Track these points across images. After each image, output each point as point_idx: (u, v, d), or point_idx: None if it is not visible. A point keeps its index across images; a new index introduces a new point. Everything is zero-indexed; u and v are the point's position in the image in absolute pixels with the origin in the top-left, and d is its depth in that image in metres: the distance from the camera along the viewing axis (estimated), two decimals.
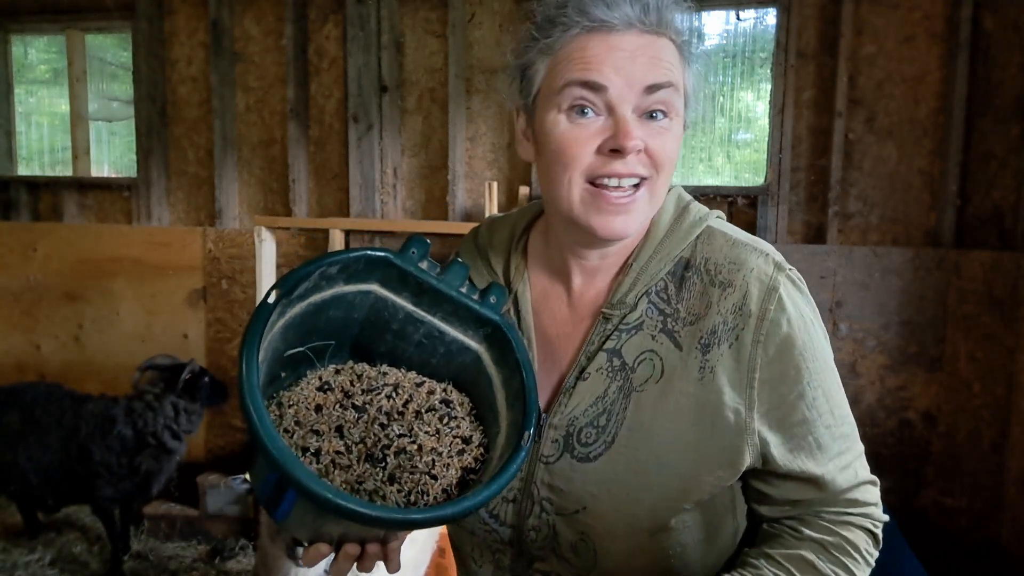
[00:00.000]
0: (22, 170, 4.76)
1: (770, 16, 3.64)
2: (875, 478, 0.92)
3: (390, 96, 3.97)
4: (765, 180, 3.66)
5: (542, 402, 0.90)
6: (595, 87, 0.81)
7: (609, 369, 0.88)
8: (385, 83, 3.96)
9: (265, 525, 1.94)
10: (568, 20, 0.83)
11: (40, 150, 4.82)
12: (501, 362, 0.89)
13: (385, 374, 0.89)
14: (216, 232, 4.23)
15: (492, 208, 3.49)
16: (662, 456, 0.85)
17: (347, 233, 4.01)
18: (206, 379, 3.21)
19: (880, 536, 0.89)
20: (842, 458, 0.88)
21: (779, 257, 0.88)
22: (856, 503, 0.89)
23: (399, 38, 3.98)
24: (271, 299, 0.78)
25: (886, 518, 0.91)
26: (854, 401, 3.47)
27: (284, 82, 4.13)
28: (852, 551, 0.86)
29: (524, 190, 3.77)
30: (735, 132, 3.80)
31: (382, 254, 0.85)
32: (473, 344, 0.90)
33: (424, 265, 0.87)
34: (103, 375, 4.36)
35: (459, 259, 0.91)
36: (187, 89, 4.32)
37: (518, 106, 0.94)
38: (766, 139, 3.64)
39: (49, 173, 4.75)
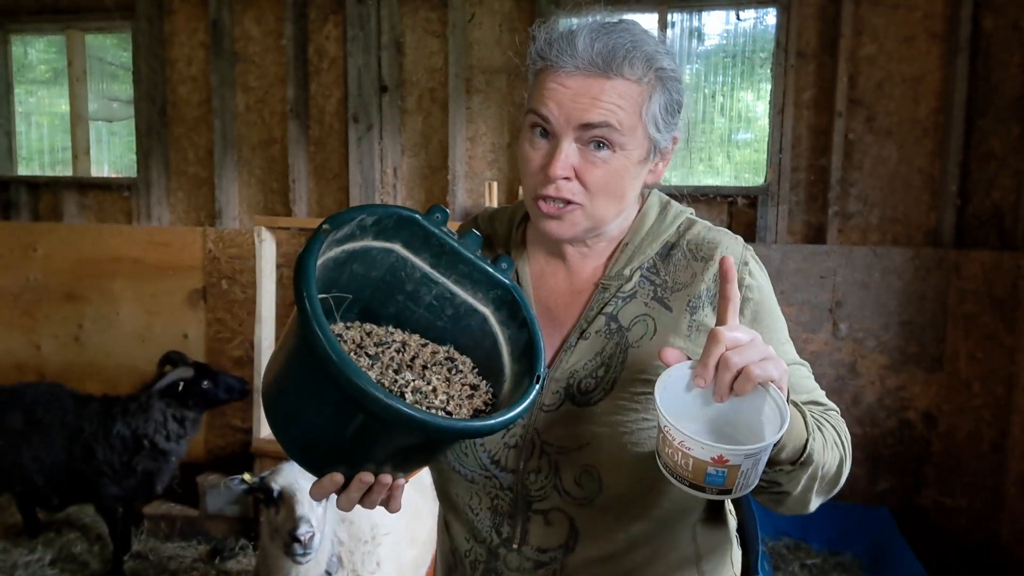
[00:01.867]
0: (22, 170, 4.77)
1: (770, 16, 3.64)
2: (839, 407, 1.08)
3: (390, 96, 3.97)
4: (765, 180, 3.66)
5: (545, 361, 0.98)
6: (542, 118, 0.97)
7: (607, 331, 1.02)
8: (385, 83, 3.96)
9: (265, 524, 1.94)
10: (536, 58, 1.01)
11: (40, 150, 4.82)
12: (507, 322, 0.97)
13: (392, 333, 0.96)
14: (216, 232, 4.23)
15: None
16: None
17: None
18: (205, 384, 3.14)
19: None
20: (811, 395, 1.04)
21: (742, 240, 1.09)
22: (824, 405, 1.04)
23: (399, 38, 3.98)
24: (322, 230, 0.85)
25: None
26: (854, 401, 3.48)
27: (284, 82, 4.13)
28: (838, 430, 1.00)
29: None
30: (735, 132, 3.80)
31: (412, 214, 0.93)
32: (481, 307, 0.98)
33: (445, 229, 0.96)
34: (103, 375, 4.36)
35: (473, 230, 1.01)
36: (187, 89, 4.32)
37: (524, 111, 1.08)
38: (766, 139, 3.64)
39: (49, 173, 4.75)
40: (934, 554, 3.35)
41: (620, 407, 0.99)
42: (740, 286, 0.99)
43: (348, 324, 0.95)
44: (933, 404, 3.45)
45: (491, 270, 0.97)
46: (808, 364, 1.07)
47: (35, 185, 4.60)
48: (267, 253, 3.25)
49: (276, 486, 1.89)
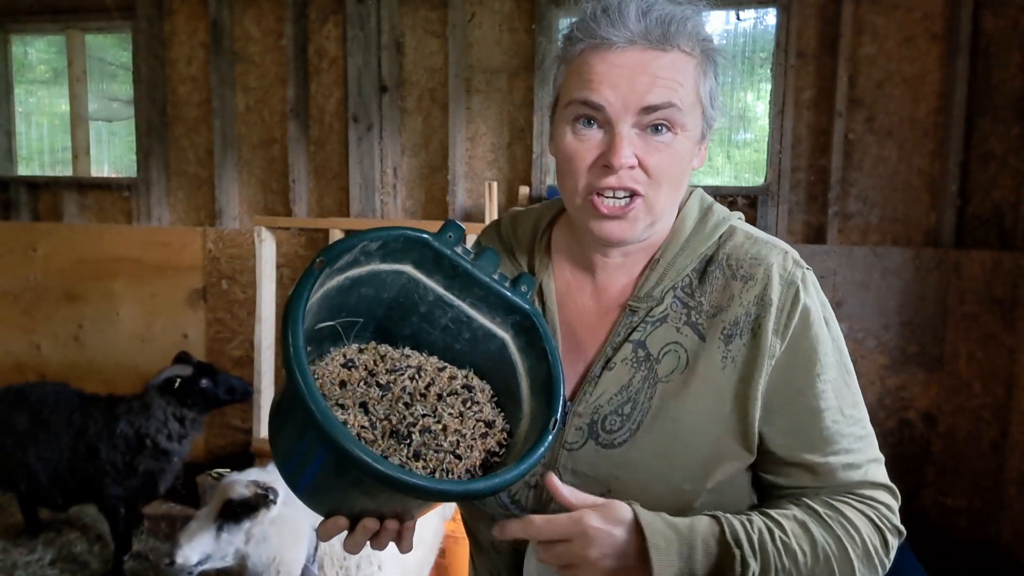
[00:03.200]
0: (22, 170, 4.77)
1: (770, 16, 3.64)
2: (893, 487, 0.93)
3: (390, 96, 3.97)
4: (765, 180, 3.66)
5: (567, 391, 0.91)
6: (593, 106, 0.85)
7: (634, 360, 0.91)
8: (385, 83, 3.96)
9: (243, 533, 1.96)
10: (576, 36, 0.87)
11: (40, 150, 4.82)
12: (527, 350, 0.90)
13: (408, 356, 0.90)
14: (216, 232, 4.23)
15: (492, 208, 3.49)
16: (686, 441, 0.88)
17: (347, 233, 4.00)
18: (203, 383, 3.12)
19: (889, 537, 0.89)
20: (848, 456, 0.89)
21: (796, 255, 0.93)
22: (862, 496, 0.89)
23: (399, 38, 3.98)
24: (315, 267, 0.80)
25: (900, 528, 0.90)
26: None
27: (284, 82, 4.13)
28: (847, 526, 0.86)
29: (524, 190, 3.77)
30: (735, 132, 3.80)
31: (422, 235, 0.87)
32: (500, 331, 0.91)
33: (459, 249, 0.89)
34: (103, 375, 4.36)
35: (491, 248, 0.92)
36: (187, 89, 4.32)
37: (550, 104, 0.96)
38: (766, 139, 3.64)
39: (49, 173, 4.75)
40: (934, 554, 3.35)
41: (644, 453, 0.89)
42: (781, 310, 0.88)
43: (362, 347, 0.90)
44: (933, 404, 3.45)
45: (509, 294, 0.89)
46: (867, 433, 0.91)
47: (35, 185, 4.60)
48: (267, 253, 3.25)
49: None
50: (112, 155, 4.72)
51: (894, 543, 0.89)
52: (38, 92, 4.80)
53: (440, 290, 0.90)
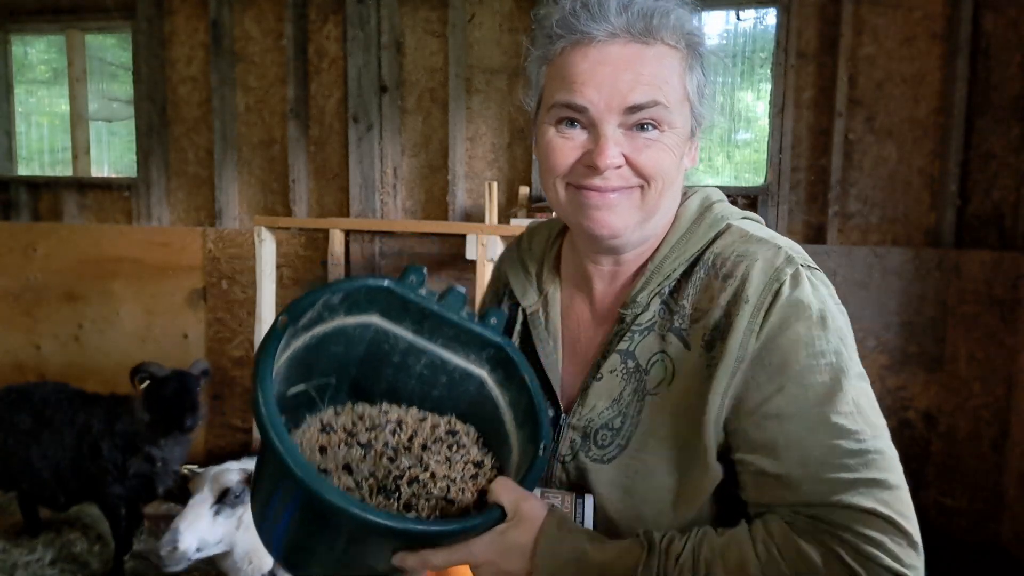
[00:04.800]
0: (22, 170, 4.76)
1: (770, 16, 3.64)
2: (894, 518, 0.74)
3: (390, 96, 3.97)
4: (765, 180, 3.66)
5: (568, 404, 0.91)
6: (577, 108, 0.82)
7: (624, 371, 0.88)
8: (385, 83, 3.96)
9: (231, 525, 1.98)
10: (556, 33, 0.84)
11: (40, 150, 4.82)
12: (506, 384, 0.89)
13: (386, 412, 0.89)
14: (216, 232, 4.23)
15: (492, 208, 3.49)
16: (672, 459, 0.84)
17: (347, 233, 4.01)
18: (161, 391, 2.91)
19: (856, 565, 0.72)
20: (822, 469, 0.75)
21: (797, 253, 0.84)
22: (834, 523, 0.74)
23: (399, 38, 3.98)
24: (279, 325, 0.78)
25: (896, 569, 0.71)
26: None
27: (284, 82, 4.13)
28: (801, 561, 0.74)
29: (524, 190, 3.77)
30: (735, 132, 3.80)
31: (382, 283, 0.85)
32: (476, 369, 0.90)
33: (423, 292, 0.87)
34: (103, 375, 4.35)
35: (456, 286, 0.90)
36: (187, 89, 4.32)
37: (531, 110, 0.94)
38: (766, 139, 3.64)
39: (49, 173, 4.75)
40: (934, 554, 3.34)
41: (630, 472, 0.85)
42: (759, 309, 0.80)
43: (338, 409, 0.88)
44: (933, 404, 3.45)
45: (479, 330, 0.88)
46: (841, 446, 0.76)
47: (35, 185, 4.60)
48: (267, 253, 3.25)
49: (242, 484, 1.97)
50: (112, 155, 4.72)
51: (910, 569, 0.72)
52: (38, 92, 4.80)
53: (410, 336, 0.89)
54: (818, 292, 0.83)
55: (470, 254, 3.34)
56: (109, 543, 3.34)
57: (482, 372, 0.90)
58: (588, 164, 0.83)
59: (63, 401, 3.19)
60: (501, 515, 0.77)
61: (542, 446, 0.82)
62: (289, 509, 0.74)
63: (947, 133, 3.40)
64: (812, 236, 3.60)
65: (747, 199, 3.65)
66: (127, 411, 3.06)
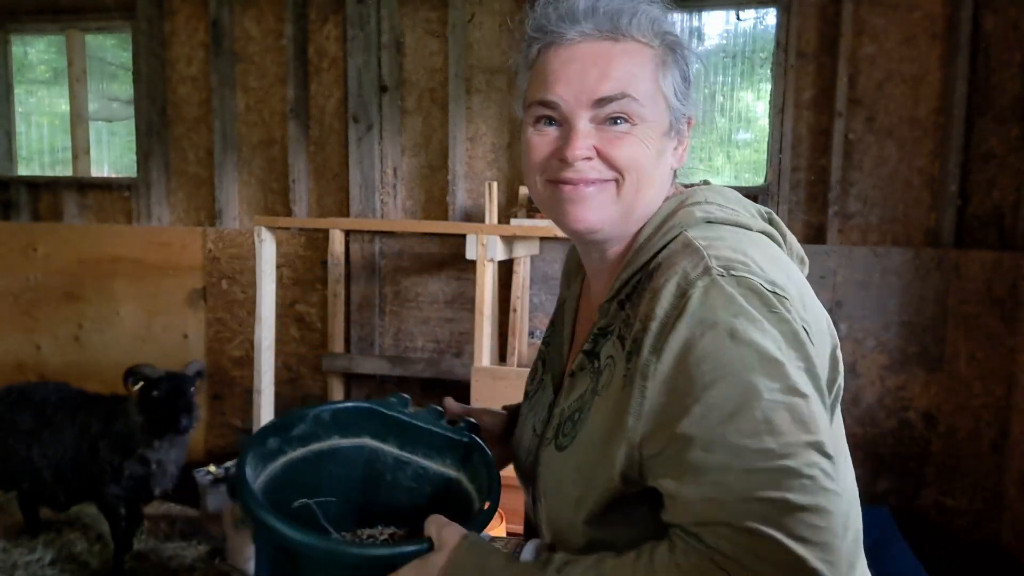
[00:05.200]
0: (22, 170, 4.77)
1: (770, 16, 3.64)
2: (788, 545, 0.67)
3: (390, 96, 3.97)
4: (765, 180, 3.65)
5: None
6: (550, 105, 0.86)
7: (591, 370, 0.90)
8: (385, 83, 3.96)
9: (227, 512, 1.97)
10: (533, 36, 0.90)
11: (40, 150, 4.82)
12: (476, 473, 0.99)
13: (383, 532, 0.98)
14: (216, 232, 4.23)
15: (492, 208, 3.48)
16: (585, 464, 0.85)
17: (347, 233, 4.01)
18: (155, 392, 2.89)
19: None
20: (716, 489, 0.71)
21: (721, 262, 0.77)
22: (718, 546, 0.70)
23: (399, 38, 3.98)
24: (248, 442, 0.92)
25: None
26: (854, 401, 3.48)
27: (284, 82, 4.13)
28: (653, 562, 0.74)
29: (524, 190, 3.77)
30: (735, 132, 3.80)
31: (366, 404, 1.01)
32: (452, 472, 1.01)
33: (405, 410, 1.02)
34: (103, 375, 4.35)
35: (432, 405, 1.03)
36: (187, 89, 4.32)
37: (520, 117, 0.98)
38: (766, 139, 3.64)
39: (49, 173, 4.75)
40: (934, 554, 3.35)
41: (569, 468, 0.87)
42: (664, 325, 0.76)
43: (344, 534, 0.97)
44: (933, 404, 3.45)
45: (449, 433, 1.01)
46: (734, 466, 0.70)
47: (35, 185, 4.60)
48: (267, 253, 3.25)
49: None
50: (112, 155, 4.72)
51: None
52: (38, 92, 4.80)
53: (396, 451, 1.02)
54: (732, 304, 0.74)
55: (470, 254, 3.34)
56: (109, 543, 3.34)
57: (458, 474, 1.00)
58: (559, 157, 0.86)
59: (63, 401, 3.19)
60: (429, 545, 0.82)
61: (487, 503, 0.91)
62: (261, 558, 0.84)
63: (947, 133, 3.40)
64: (812, 236, 3.60)
65: (747, 199, 3.64)
66: (123, 413, 3.06)
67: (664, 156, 0.89)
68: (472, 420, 1.04)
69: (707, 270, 0.76)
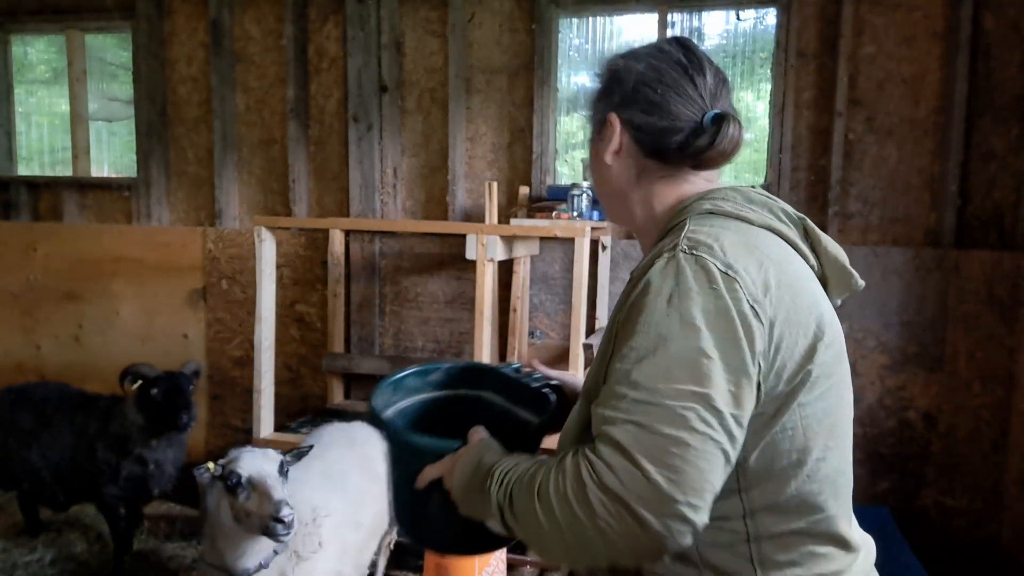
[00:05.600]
0: (22, 170, 4.77)
1: (770, 16, 3.64)
2: (638, 459, 0.81)
3: (390, 96, 3.97)
4: (765, 180, 3.65)
5: None
6: None
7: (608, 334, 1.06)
8: (385, 83, 3.96)
9: (224, 509, 1.99)
10: None
11: (40, 150, 4.82)
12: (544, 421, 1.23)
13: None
14: (216, 232, 4.23)
15: (492, 208, 3.48)
16: (581, 406, 1.05)
17: (347, 233, 4.01)
18: (153, 391, 2.91)
19: (591, 492, 0.82)
20: (610, 411, 0.85)
21: (691, 241, 0.92)
22: (588, 446, 0.86)
23: (399, 38, 3.98)
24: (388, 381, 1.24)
25: (611, 487, 0.81)
26: (854, 401, 3.47)
27: (284, 82, 4.13)
28: (554, 467, 0.88)
29: (524, 190, 3.77)
30: None
31: (488, 365, 1.37)
32: (532, 417, 1.23)
33: (508, 370, 1.32)
34: (103, 375, 4.35)
35: (528, 366, 1.33)
36: (187, 89, 4.32)
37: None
38: (766, 139, 3.64)
39: (49, 173, 4.75)
40: (934, 554, 3.35)
41: (572, 416, 1.07)
42: (635, 285, 0.93)
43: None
44: (933, 404, 3.45)
45: (528, 382, 1.28)
46: (629, 395, 0.84)
47: (35, 185, 4.60)
48: (267, 253, 3.25)
49: (243, 472, 1.93)
50: (112, 155, 4.72)
51: (599, 498, 0.81)
52: (38, 92, 4.80)
53: (502, 402, 1.30)
54: (682, 276, 0.88)
55: (470, 254, 3.34)
56: (109, 543, 3.34)
57: (535, 419, 1.22)
58: None
59: (63, 401, 3.19)
60: (463, 443, 1.05)
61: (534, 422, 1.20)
62: (391, 471, 1.12)
63: (947, 133, 3.40)
64: None
65: None
66: (120, 413, 3.05)
67: (605, 160, 1.09)
68: (555, 382, 1.28)
69: (675, 247, 0.92)
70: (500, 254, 3.10)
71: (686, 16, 3.73)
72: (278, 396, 4.01)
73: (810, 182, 3.59)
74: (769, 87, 3.61)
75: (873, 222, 3.54)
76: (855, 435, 3.44)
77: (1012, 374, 3.34)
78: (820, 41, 3.53)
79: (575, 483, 0.83)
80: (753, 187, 1.06)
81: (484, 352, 3.01)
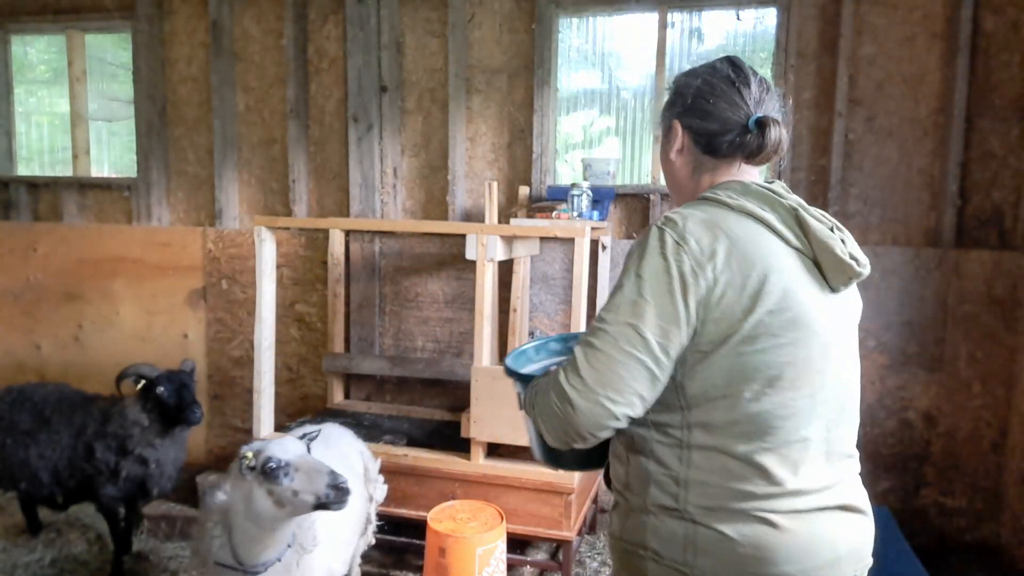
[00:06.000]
0: (22, 170, 4.77)
1: (770, 16, 3.64)
2: (579, 364, 1.18)
3: (390, 96, 3.97)
4: (765, 180, 3.65)
5: None
6: None
7: None
8: (385, 83, 3.96)
9: (260, 498, 2.01)
10: None
11: (40, 150, 4.82)
12: None
13: None
14: (216, 232, 4.23)
15: (492, 208, 3.48)
16: None
17: (347, 233, 4.01)
18: (160, 390, 2.96)
19: (562, 384, 1.19)
20: (584, 336, 1.22)
21: (668, 218, 1.21)
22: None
23: (399, 38, 3.98)
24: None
25: (563, 385, 1.18)
26: None
27: (284, 82, 4.13)
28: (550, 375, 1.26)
29: (524, 190, 3.77)
30: None
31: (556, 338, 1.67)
32: None
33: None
34: (103, 375, 4.35)
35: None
36: (187, 89, 4.32)
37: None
38: None
39: (49, 173, 4.75)
40: (934, 554, 3.35)
41: None
42: None
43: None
44: (933, 404, 3.45)
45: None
46: (593, 324, 1.21)
47: (35, 185, 4.60)
48: (267, 253, 3.25)
49: (283, 457, 1.99)
50: (112, 155, 4.72)
51: (555, 390, 1.19)
52: (38, 92, 4.80)
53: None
54: (647, 243, 1.19)
55: (470, 254, 3.34)
56: (109, 543, 3.34)
57: None
58: None
59: (61, 401, 3.19)
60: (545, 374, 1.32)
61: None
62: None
63: (947, 133, 3.40)
64: None
65: None
66: (118, 414, 3.05)
67: (671, 158, 1.38)
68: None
69: (655, 221, 1.23)
70: (500, 254, 3.10)
71: (686, 16, 3.73)
72: (278, 396, 4.01)
73: (810, 182, 3.59)
74: None
75: (873, 222, 3.54)
76: None
77: (1012, 374, 3.34)
78: (820, 41, 3.53)
79: (552, 383, 1.21)
80: (766, 182, 1.30)
81: (484, 352, 3.01)
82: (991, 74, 3.37)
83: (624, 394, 1.14)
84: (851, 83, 3.48)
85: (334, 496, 1.96)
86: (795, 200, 1.25)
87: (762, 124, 1.27)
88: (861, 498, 1.25)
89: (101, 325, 4.44)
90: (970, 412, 3.41)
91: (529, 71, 3.81)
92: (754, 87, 1.29)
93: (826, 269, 1.21)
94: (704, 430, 1.17)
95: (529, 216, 3.54)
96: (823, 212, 1.26)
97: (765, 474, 1.15)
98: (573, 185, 3.36)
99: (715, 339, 1.15)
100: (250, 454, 1.98)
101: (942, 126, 3.43)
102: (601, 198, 3.55)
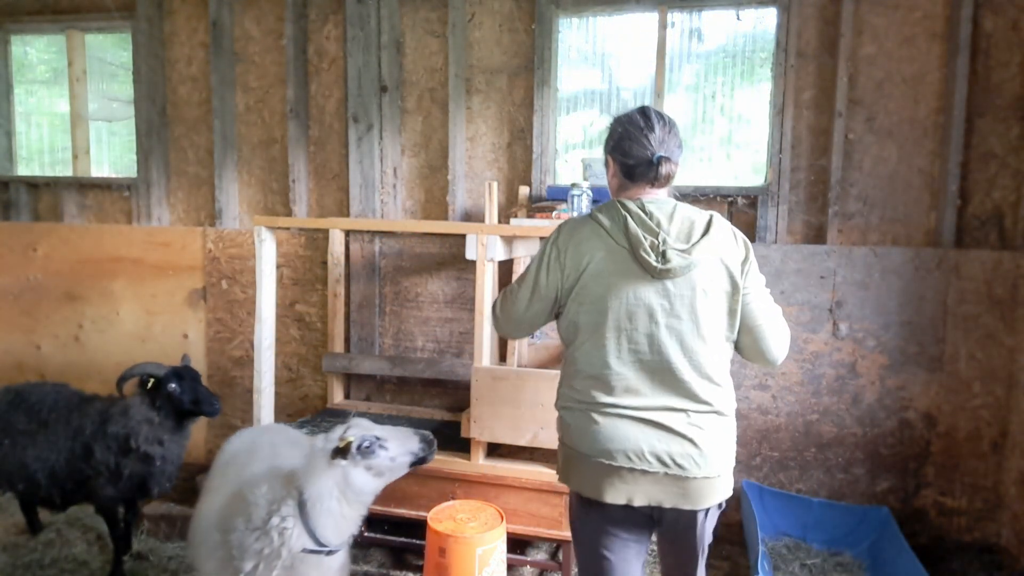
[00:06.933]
0: (22, 170, 4.77)
1: (770, 16, 3.64)
2: (496, 307, 2.10)
3: (390, 96, 3.97)
4: (765, 180, 3.66)
5: None
6: None
7: None
8: (385, 83, 3.96)
9: (341, 478, 2.08)
10: None
11: (40, 150, 4.82)
12: None
13: None
14: (216, 232, 4.23)
15: (492, 208, 3.48)
16: None
17: (347, 233, 4.01)
18: (171, 387, 3.00)
19: (495, 310, 2.10)
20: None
21: (564, 222, 1.92)
22: None
23: (399, 38, 3.98)
24: None
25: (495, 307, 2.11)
26: (854, 401, 3.48)
27: (284, 82, 4.13)
28: None
29: (524, 190, 3.77)
30: (735, 132, 3.80)
31: None
32: None
33: None
34: (103, 375, 4.36)
35: None
36: (187, 89, 4.32)
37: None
38: (766, 139, 3.64)
39: (49, 173, 4.75)
40: (934, 554, 3.35)
41: None
42: None
43: None
44: (933, 404, 3.45)
45: None
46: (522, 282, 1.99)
47: (35, 185, 4.61)
48: (267, 253, 3.25)
49: (371, 433, 2.10)
50: (112, 155, 4.72)
51: (496, 312, 2.09)
52: (38, 92, 4.80)
53: None
54: (557, 230, 1.92)
55: (470, 254, 3.34)
56: (109, 543, 3.34)
57: None
58: None
59: (60, 402, 3.18)
60: None
61: None
62: None
63: (947, 133, 3.40)
64: (812, 236, 3.60)
65: (747, 199, 3.65)
66: (121, 413, 3.04)
67: (608, 180, 1.99)
68: None
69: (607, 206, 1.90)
70: (500, 254, 3.10)
71: (686, 16, 3.73)
72: (278, 396, 4.01)
73: (810, 182, 3.60)
74: (769, 87, 3.62)
75: (873, 222, 3.54)
76: (855, 435, 3.45)
77: (1012, 374, 3.34)
78: (820, 41, 3.53)
79: (492, 306, 2.10)
80: (630, 201, 1.84)
81: (484, 352, 3.01)
82: (991, 74, 3.37)
83: (513, 316, 2.00)
84: (851, 83, 3.48)
85: (425, 451, 2.18)
86: (664, 210, 1.80)
87: (659, 161, 1.82)
88: (682, 426, 1.76)
89: (101, 325, 4.44)
90: (970, 412, 3.41)
91: (529, 71, 3.82)
92: (658, 131, 1.82)
93: (640, 262, 1.76)
94: (569, 359, 1.89)
95: (529, 216, 3.54)
96: (674, 217, 1.81)
97: (589, 391, 1.83)
98: (573, 185, 3.36)
99: (563, 302, 1.88)
100: (351, 437, 2.05)
101: (942, 126, 3.43)
102: (601, 198, 3.55)
